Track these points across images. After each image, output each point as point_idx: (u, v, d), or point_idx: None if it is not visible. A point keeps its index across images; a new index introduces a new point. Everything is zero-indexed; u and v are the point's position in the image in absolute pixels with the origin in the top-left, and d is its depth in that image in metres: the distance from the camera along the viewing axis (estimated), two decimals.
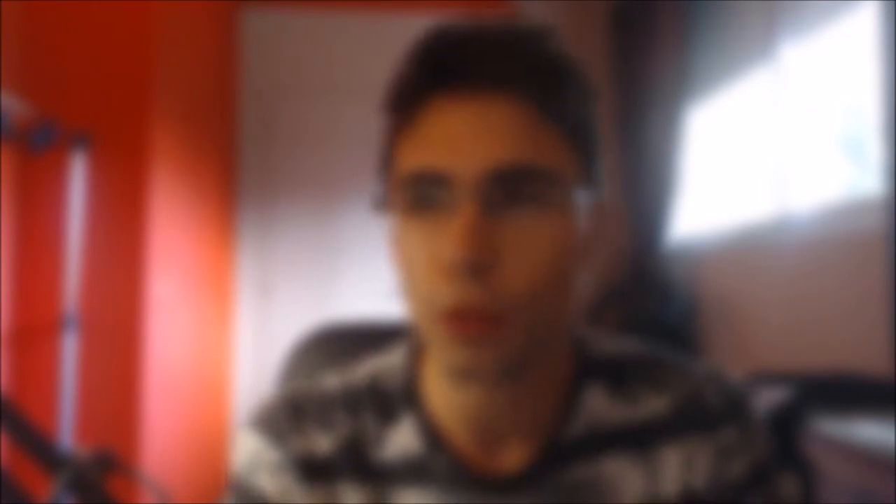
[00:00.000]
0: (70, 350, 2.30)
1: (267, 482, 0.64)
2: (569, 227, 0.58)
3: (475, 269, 0.54)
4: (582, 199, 0.59)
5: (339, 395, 0.66)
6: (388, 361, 0.68)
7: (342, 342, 0.92)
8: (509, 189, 0.55)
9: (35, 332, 2.37)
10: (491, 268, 0.55)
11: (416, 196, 0.57)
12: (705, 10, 2.90)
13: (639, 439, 0.64)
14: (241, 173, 3.75)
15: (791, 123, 2.37)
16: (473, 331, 0.55)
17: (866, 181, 2.01)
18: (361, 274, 3.63)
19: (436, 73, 0.57)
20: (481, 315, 0.55)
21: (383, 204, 0.61)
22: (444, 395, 0.63)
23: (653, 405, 0.65)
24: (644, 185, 3.23)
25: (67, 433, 2.24)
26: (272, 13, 3.76)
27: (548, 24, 0.60)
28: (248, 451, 0.65)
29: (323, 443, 0.64)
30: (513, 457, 0.63)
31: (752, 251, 2.56)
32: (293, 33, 3.76)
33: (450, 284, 0.55)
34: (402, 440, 0.64)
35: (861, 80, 1.96)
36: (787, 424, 1.45)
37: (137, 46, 2.53)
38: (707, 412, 0.64)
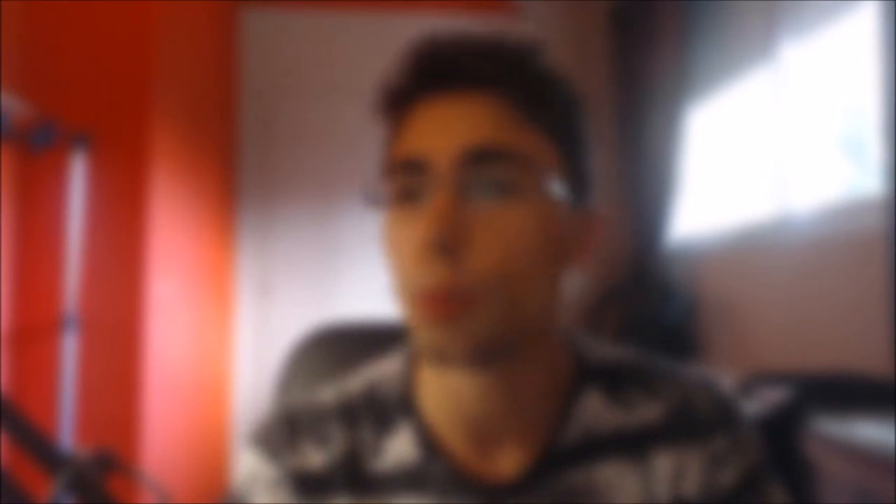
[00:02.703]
0: (70, 350, 2.30)
1: (263, 499, 0.64)
2: (543, 214, 0.59)
3: (444, 249, 0.56)
4: (560, 191, 0.61)
5: (334, 408, 0.67)
6: (385, 369, 0.69)
7: (342, 343, 0.92)
8: (483, 171, 0.58)
9: (35, 332, 2.37)
10: (461, 249, 0.57)
11: (400, 186, 0.60)
12: (705, 10, 2.90)
13: (634, 445, 0.64)
14: (241, 173, 3.75)
15: (791, 123, 2.37)
16: (442, 311, 0.57)
17: (866, 181, 2.01)
18: (361, 274, 3.63)
19: (420, 77, 0.61)
20: (450, 295, 0.56)
21: (373, 198, 0.63)
22: (439, 398, 0.64)
23: (647, 411, 0.65)
24: (644, 185, 3.23)
25: (67, 433, 2.24)
26: (272, 13, 3.76)
27: (536, 38, 0.63)
28: (245, 468, 0.66)
29: (317, 458, 0.65)
30: (509, 462, 0.63)
31: (752, 251, 2.56)
32: (293, 33, 3.76)
33: (422, 266, 0.57)
34: (399, 448, 0.64)
35: (861, 80, 1.96)
36: (787, 424, 1.45)
37: (137, 46, 2.53)
38: (699, 420, 0.65)
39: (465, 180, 0.58)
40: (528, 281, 0.59)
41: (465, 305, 0.57)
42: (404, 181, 0.60)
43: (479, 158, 0.58)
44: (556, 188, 0.60)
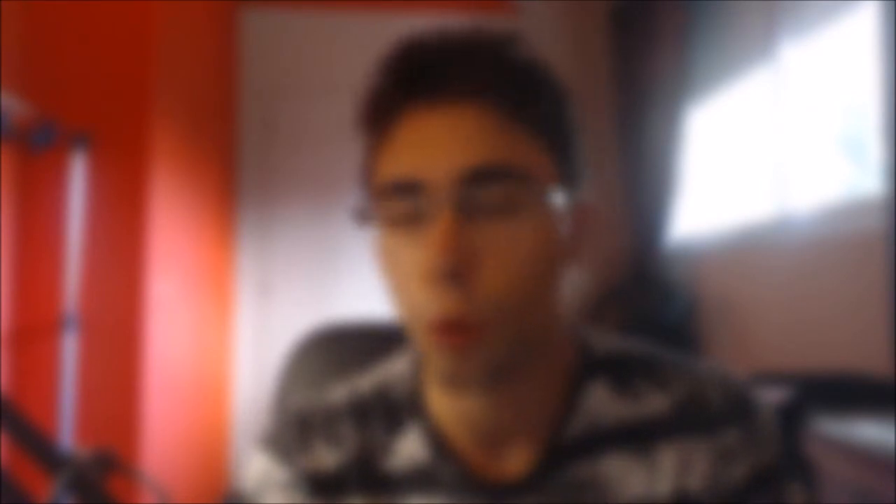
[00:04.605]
0: (70, 350, 2.30)
1: (276, 501, 0.64)
2: (546, 227, 0.58)
3: (454, 276, 0.54)
4: (560, 200, 0.59)
5: (345, 407, 0.67)
6: (395, 369, 0.69)
7: (342, 343, 0.92)
8: (484, 192, 0.56)
9: (35, 332, 2.37)
10: (470, 274, 0.55)
11: (394, 207, 0.58)
12: (705, 10, 2.90)
13: (639, 438, 0.63)
14: (241, 173, 3.75)
15: (791, 123, 2.37)
16: (455, 341, 0.55)
17: (866, 181, 2.01)
18: (361, 274, 3.62)
19: (406, 86, 0.58)
20: (462, 324, 0.55)
21: (365, 217, 0.61)
22: (445, 406, 0.64)
23: (654, 403, 0.64)
24: (644, 185, 3.23)
25: (67, 433, 2.24)
26: (272, 13, 3.76)
27: (513, 28, 0.60)
28: (256, 471, 0.66)
29: (330, 458, 0.64)
30: (517, 459, 0.63)
31: (752, 251, 2.56)
32: (293, 33, 3.76)
33: (431, 294, 0.55)
34: (409, 449, 0.64)
35: (861, 80, 1.96)
36: (787, 424, 1.45)
37: (137, 46, 2.53)
38: (708, 413, 0.63)
39: (465, 200, 0.55)
40: (537, 297, 0.58)
41: (478, 334, 0.55)
42: (399, 203, 0.57)
43: (478, 178, 0.55)
44: (556, 197, 0.59)
